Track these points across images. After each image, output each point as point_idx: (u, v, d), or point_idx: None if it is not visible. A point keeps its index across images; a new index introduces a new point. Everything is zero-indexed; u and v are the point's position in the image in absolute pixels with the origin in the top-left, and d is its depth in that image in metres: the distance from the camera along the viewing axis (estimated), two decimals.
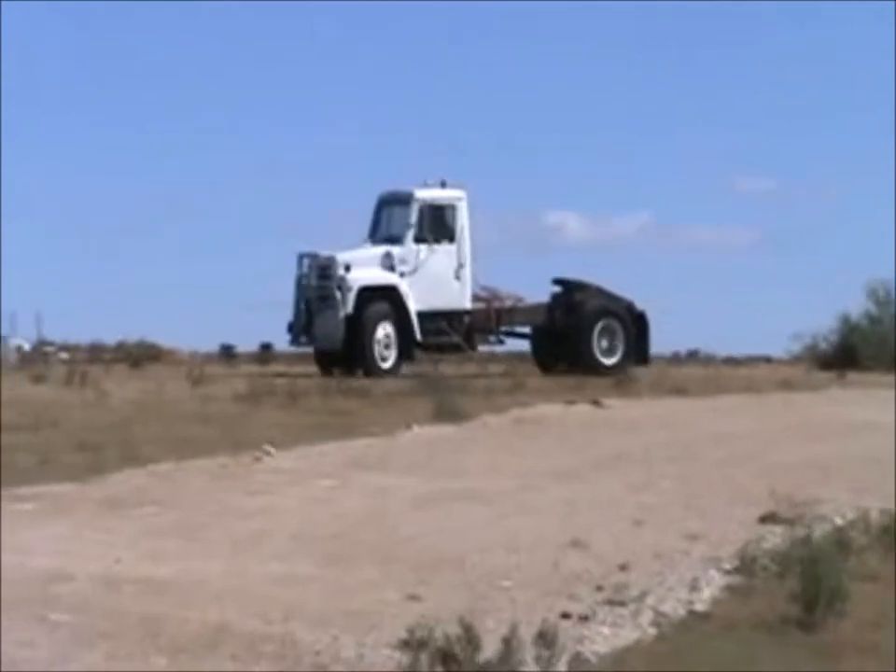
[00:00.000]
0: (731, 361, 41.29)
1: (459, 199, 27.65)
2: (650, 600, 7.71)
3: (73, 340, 42.94)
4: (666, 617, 7.35)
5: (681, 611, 7.52)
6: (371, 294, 26.31)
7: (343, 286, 26.20)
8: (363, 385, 22.73)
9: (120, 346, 34.76)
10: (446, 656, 5.26)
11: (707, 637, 6.89)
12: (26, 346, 48.39)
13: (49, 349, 41.66)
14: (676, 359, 42.67)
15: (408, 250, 26.99)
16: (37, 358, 36.02)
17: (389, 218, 28.59)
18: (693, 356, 44.15)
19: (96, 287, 66.01)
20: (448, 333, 26.91)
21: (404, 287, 26.33)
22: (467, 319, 27.30)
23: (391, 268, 26.73)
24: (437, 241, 26.91)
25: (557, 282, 28.54)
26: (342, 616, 7.05)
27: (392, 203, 28.42)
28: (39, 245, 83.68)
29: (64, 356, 39.60)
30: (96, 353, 36.06)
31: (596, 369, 26.67)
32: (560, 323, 27.61)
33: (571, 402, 20.72)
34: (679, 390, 24.02)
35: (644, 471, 13.42)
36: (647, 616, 7.35)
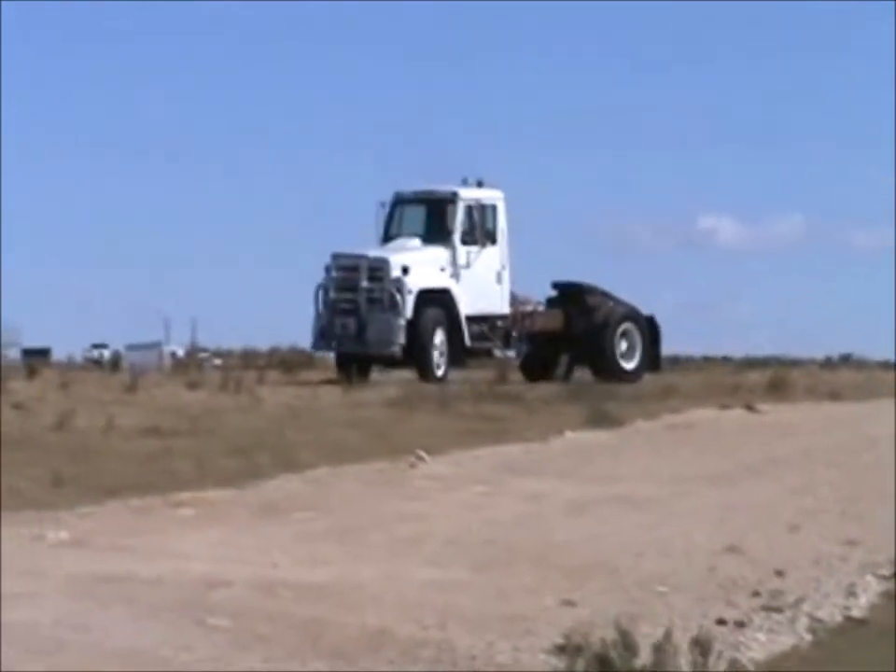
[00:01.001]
0: (885, 365, 40.22)
1: (500, 199, 26.43)
2: (806, 606, 7.65)
3: (226, 346, 44.20)
4: (823, 623, 7.27)
5: (838, 617, 7.44)
6: (426, 298, 24.90)
7: (401, 289, 24.54)
8: (515, 390, 22.65)
9: (273, 352, 34.92)
10: (602, 661, 5.20)
11: (864, 643, 6.87)
12: (180, 352, 49.70)
13: (203, 355, 42.68)
14: (829, 363, 42.25)
15: (456, 252, 25.65)
16: (191, 364, 35.94)
17: (424, 218, 27.06)
18: (845, 359, 44.02)
19: (249, 293, 67.05)
20: (490, 339, 25.76)
21: (457, 290, 25.12)
22: (501, 324, 25.86)
23: (442, 270, 25.68)
24: (482, 242, 25.64)
25: (556, 285, 27.31)
26: (497, 621, 7.05)
27: (428, 201, 26.91)
28: (195, 253, 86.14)
29: (218, 361, 40.14)
30: (249, 359, 36.04)
31: (617, 374, 25.51)
32: (579, 328, 26.29)
33: (725, 407, 20.93)
34: (834, 395, 24.07)
35: (799, 476, 13.43)
36: (803, 622, 7.26)
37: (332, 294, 25.40)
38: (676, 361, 34.58)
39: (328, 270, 26.52)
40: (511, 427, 17.02)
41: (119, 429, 15.24)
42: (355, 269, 25.51)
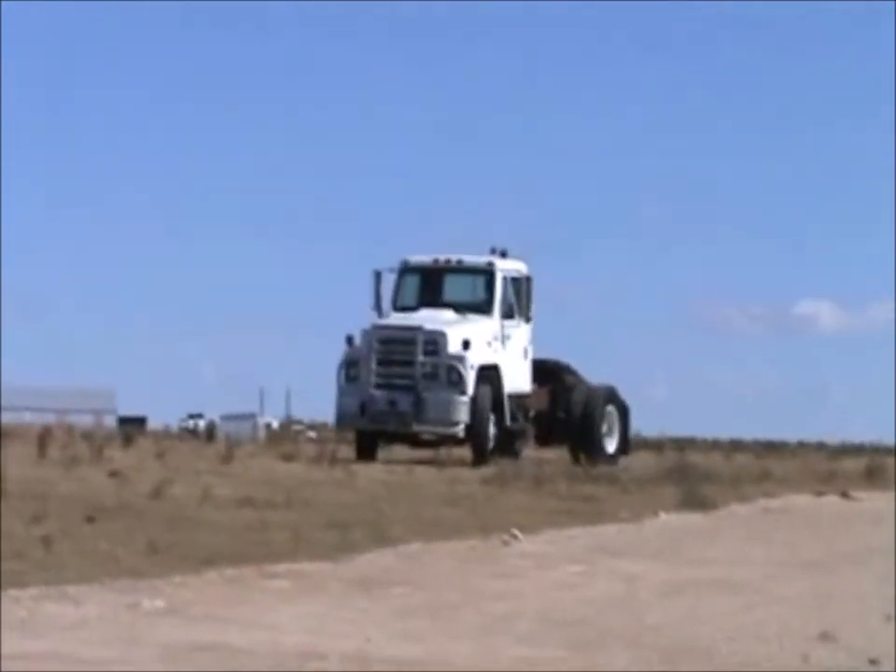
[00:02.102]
0: None
1: (528, 272, 25.85)
2: None
3: (320, 418, 45.16)
4: None
5: None
6: (482, 374, 24.11)
7: (464, 364, 23.82)
8: (608, 470, 22.95)
9: None
10: None
11: None
12: (275, 423, 52.16)
13: (297, 427, 44.57)
14: None
15: (502, 326, 24.96)
16: (285, 436, 37.76)
17: (453, 288, 26.22)
18: None
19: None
20: (517, 418, 24.82)
21: (504, 366, 24.53)
22: (524, 402, 25.21)
23: (489, 344, 24.88)
24: (521, 316, 25.22)
25: (535, 363, 26.24)
26: None
27: (458, 271, 26.26)
28: (290, 325, 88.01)
29: (313, 434, 40.94)
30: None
31: (599, 456, 25.00)
32: (564, 407, 25.64)
33: (820, 493, 21.34)
34: None
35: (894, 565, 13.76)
36: None
37: (374, 367, 24.00)
38: (771, 446, 35.69)
39: (353, 341, 24.82)
40: (606, 507, 17.12)
41: (215, 499, 15.55)
42: (406, 342, 24.20)
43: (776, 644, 8.97)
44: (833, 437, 46.03)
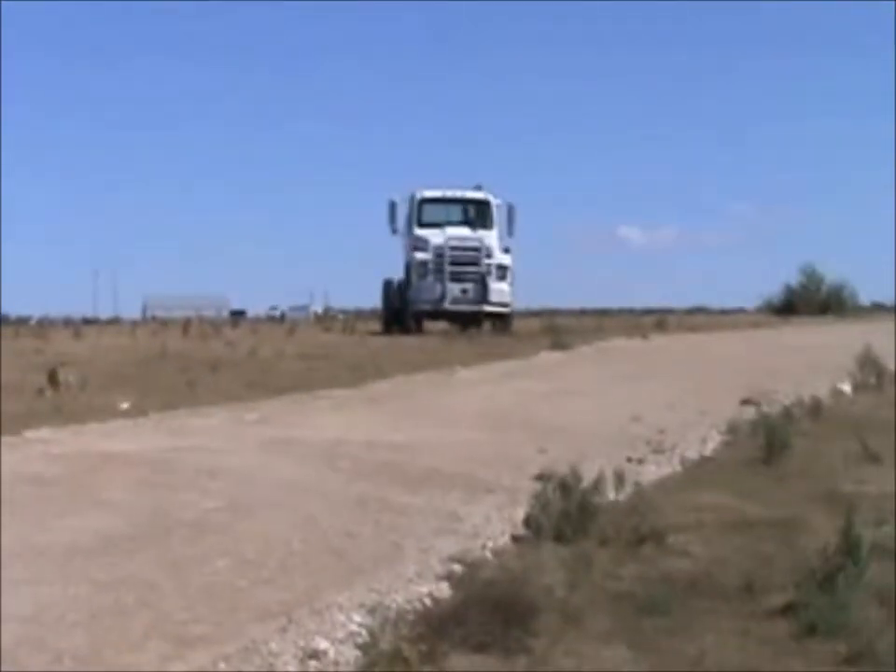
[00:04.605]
0: (724, 311, 60.55)
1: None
2: (678, 450, 9.07)
3: (349, 306, 63.09)
4: (688, 459, 8.71)
5: (696, 456, 8.86)
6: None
7: (509, 265, 29.95)
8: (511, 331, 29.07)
9: (372, 310, 47.92)
10: (563, 485, 6.17)
11: (711, 470, 8.21)
12: (319, 311, 71.98)
13: (333, 312, 59.81)
14: (693, 310, 61.58)
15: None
16: (326, 318, 52.51)
17: (459, 212, 31.72)
18: (701, 309, 64.32)
19: (359, 273, 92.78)
20: None
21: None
22: None
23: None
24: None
25: None
26: (503, 461, 8.39)
27: (462, 201, 31.78)
28: (330, 248, 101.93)
29: (342, 316, 56.28)
30: (360, 314, 52.24)
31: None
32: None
33: (630, 337, 27.61)
34: (694, 328, 33.81)
35: (674, 376, 16.33)
36: (676, 459, 8.69)
37: (448, 267, 28.75)
38: (604, 311, 51.55)
39: (419, 247, 29.19)
40: (510, 351, 21.49)
41: (285, 355, 19.91)
42: (473, 248, 29.08)
43: (606, 424, 10.72)
44: (639, 304, 62.19)
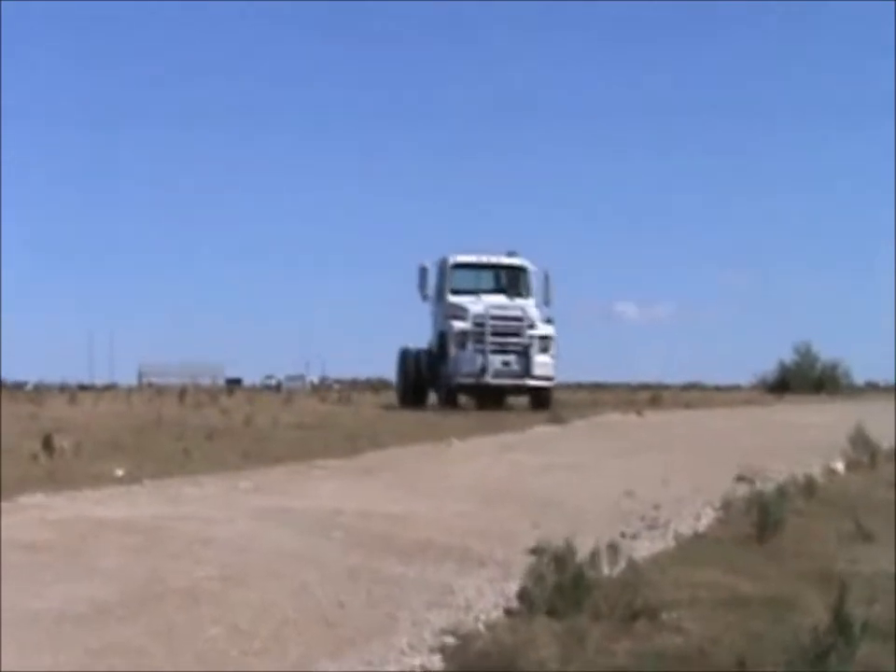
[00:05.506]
0: (718, 388, 60.69)
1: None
2: (672, 526, 9.13)
3: (345, 375, 62.07)
4: (682, 535, 8.78)
5: (690, 532, 8.94)
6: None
7: (552, 336, 28.65)
8: (508, 403, 28.88)
9: (367, 380, 52.16)
10: (557, 559, 6.20)
11: (705, 546, 8.30)
12: (315, 380, 75.38)
13: (328, 382, 59.45)
14: (687, 386, 61.78)
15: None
16: (321, 388, 52.41)
17: (493, 279, 30.52)
18: (695, 385, 64.85)
19: (362, 342, 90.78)
20: None
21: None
22: None
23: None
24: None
25: None
26: (496, 534, 8.45)
27: (497, 267, 30.60)
28: (326, 322, 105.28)
29: (337, 385, 56.66)
30: (355, 384, 52.84)
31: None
32: None
33: (625, 412, 27.28)
34: (688, 404, 33.80)
35: (668, 452, 16.33)
36: (670, 535, 8.75)
37: (489, 338, 27.35)
38: (598, 385, 51.10)
39: (457, 315, 27.44)
40: (505, 423, 21.62)
41: (281, 424, 19.70)
42: (515, 319, 27.67)
43: (600, 499, 10.74)
44: (634, 378, 63.22)
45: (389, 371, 36.40)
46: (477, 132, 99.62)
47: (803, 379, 54.24)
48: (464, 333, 27.34)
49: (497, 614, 5.86)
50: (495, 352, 27.46)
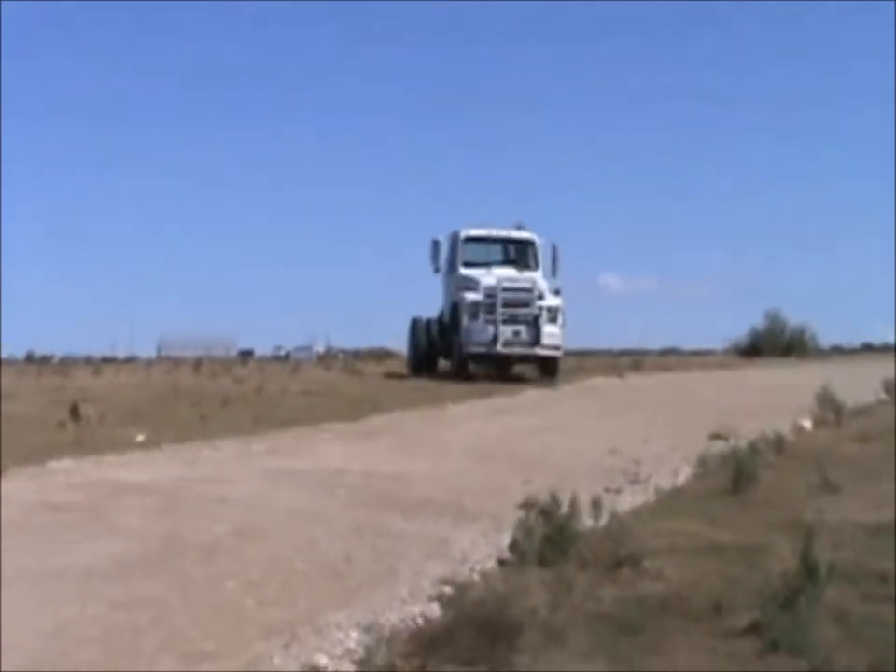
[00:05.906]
0: (695, 353, 58.87)
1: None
2: (652, 480, 9.01)
3: (347, 346, 62.17)
4: (662, 489, 8.65)
5: (669, 486, 8.82)
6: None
7: (560, 307, 27.01)
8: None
9: (370, 350, 52.02)
10: (545, 512, 6.16)
11: (683, 499, 8.20)
12: (321, 350, 72.33)
13: (334, 352, 61.16)
14: (665, 351, 60.63)
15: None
16: (327, 357, 53.45)
17: (503, 251, 29.03)
18: (673, 350, 62.79)
19: (365, 314, 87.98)
20: None
21: None
22: None
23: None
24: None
25: None
26: (489, 491, 8.38)
27: (507, 241, 28.96)
28: (336, 291, 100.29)
29: (342, 355, 55.70)
30: (358, 354, 53.39)
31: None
32: None
33: (608, 376, 27.04)
34: (666, 368, 32.95)
35: (648, 412, 16.16)
36: (651, 489, 8.63)
37: (501, 309, 26.22)
38: (586, 352, 48.37)
39: (469, 287, 26.45)
40: (499, 389, 21.12)
41: (289, 392, 19.61)
42: (525, 290, 26.41)
43: (586, 456, 10.57)
44: (617, 346, 62.03)
45: (390, 342, 35.74)
46: (473, 116, 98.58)
47: (773, 343, 53.66)
48: (476, 304, 26.31)
49: (490, 564, 5.86)
50: (505, 322, 26.71)
